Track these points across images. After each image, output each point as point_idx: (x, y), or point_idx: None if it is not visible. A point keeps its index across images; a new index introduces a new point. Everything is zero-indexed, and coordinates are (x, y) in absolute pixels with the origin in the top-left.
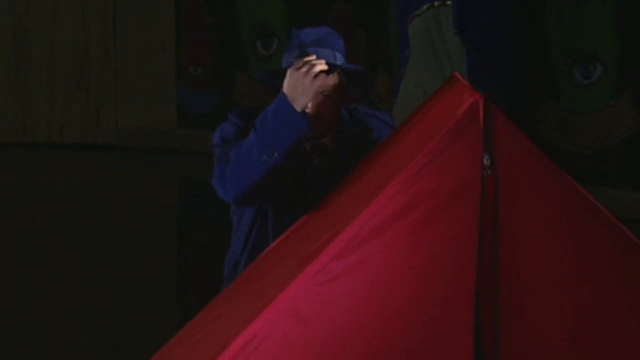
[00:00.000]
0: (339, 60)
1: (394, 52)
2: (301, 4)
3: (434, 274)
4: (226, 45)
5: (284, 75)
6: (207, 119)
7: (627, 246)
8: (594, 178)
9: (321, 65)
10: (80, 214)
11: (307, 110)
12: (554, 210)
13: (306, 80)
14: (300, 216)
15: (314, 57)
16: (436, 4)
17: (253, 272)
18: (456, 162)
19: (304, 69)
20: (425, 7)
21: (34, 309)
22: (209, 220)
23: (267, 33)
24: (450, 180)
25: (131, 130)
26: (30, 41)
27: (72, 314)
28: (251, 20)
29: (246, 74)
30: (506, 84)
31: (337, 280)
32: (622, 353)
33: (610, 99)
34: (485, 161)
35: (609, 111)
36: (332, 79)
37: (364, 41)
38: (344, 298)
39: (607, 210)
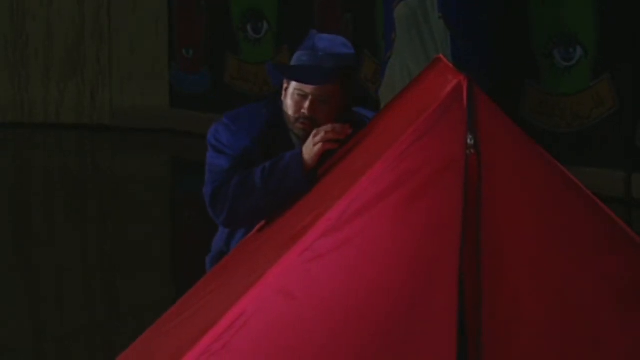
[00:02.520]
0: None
1: (380, 36)
2: None
3: (419, 250)
4: (217, 28)
5: (290, 70)
6: (199, 99)
7: (607, 223)
8: (574, 158)
9: (332, 141)
10: (76, 193)
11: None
12: (535, 187)
13: (310, 146)
14: None
15: (342, 127)
16: None
17: (242, 251)
18: (441, 141)
19: (315, 136)
20: None
21: (31, 287)
22: (202, 200)
23: (258, 17)
24: (435, 159)
25: (125, 110)
26: (27, 23)
27: (67, 292)
28: (242, 4)
29: (236, 57)
30: (489, 66)
31: (325, 257)
32: (601, 325)
33: (590, 81)
34: (468, 141)
35: (589, 92)
36: (330, 87)
37: (351, 25)
38: (332, 275)
39: (587, 188)
